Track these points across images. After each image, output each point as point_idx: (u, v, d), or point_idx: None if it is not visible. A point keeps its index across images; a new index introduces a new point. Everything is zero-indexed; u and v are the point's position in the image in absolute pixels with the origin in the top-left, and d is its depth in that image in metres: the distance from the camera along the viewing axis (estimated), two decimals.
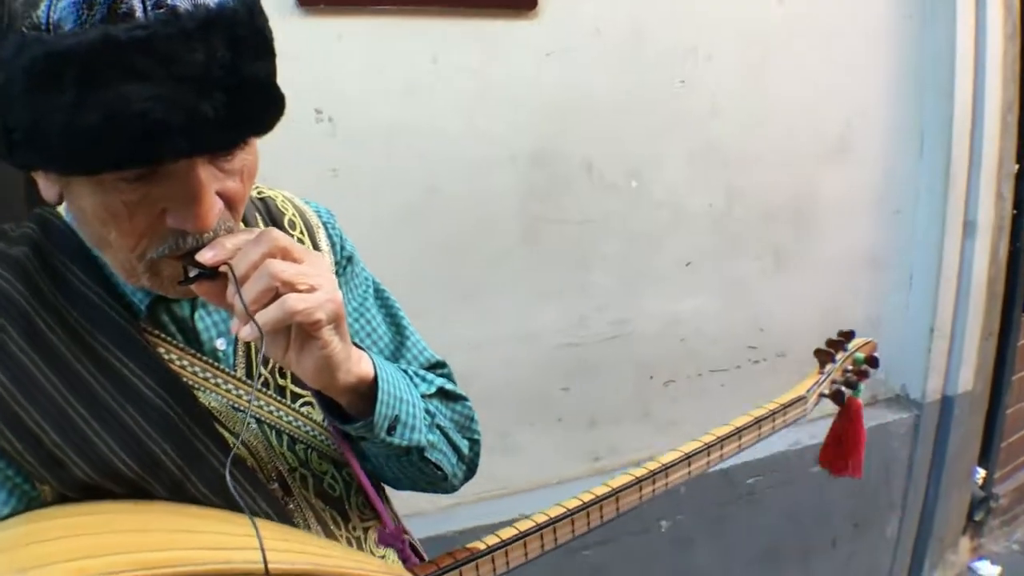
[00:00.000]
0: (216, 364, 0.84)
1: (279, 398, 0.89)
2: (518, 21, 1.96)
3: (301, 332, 0.74)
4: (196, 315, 0.84)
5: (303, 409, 0.90)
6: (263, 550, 0.67)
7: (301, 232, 0.96)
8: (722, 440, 1.13)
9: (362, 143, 1.85)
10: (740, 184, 2.36)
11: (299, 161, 1.75)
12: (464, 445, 1.01)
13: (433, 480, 0.97)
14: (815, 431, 2.20)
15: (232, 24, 0.65)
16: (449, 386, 1.02)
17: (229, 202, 0.74)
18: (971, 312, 2.74)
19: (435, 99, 1.91)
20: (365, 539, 0.95)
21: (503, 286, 2.09)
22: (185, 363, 0.82)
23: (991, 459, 3.17)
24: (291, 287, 0.71)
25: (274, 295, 0.71)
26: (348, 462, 0.89)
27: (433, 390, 0.98)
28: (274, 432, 0.88)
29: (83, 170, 0.66)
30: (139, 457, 0.75)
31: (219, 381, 0.84)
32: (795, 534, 2.66)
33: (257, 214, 0.93)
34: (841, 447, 1.39)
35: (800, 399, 1.25)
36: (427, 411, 0.93)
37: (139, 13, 0.62)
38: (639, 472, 1.03)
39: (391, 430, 0.85)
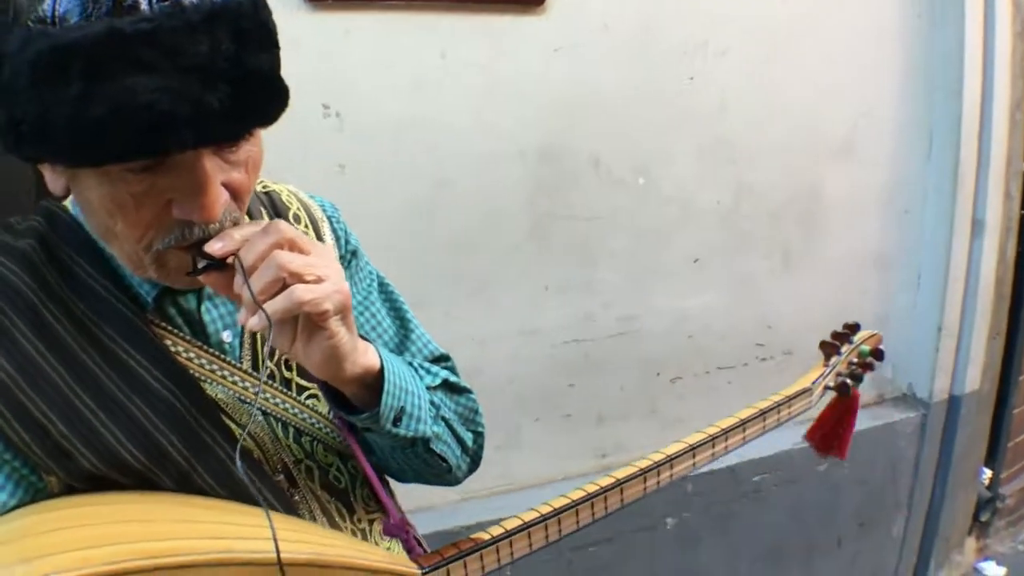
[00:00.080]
0: (223, 356, 0.85)
1: (285, 390, 0.89)
2: (526, 16, 1.96)
3: (308, 323, 0.74)
4: (203, 307, 0.85)
5: (309, 401, 0.91)
6: (275, 540, 0.67)
7: (306, 226, 0.97)
8: (727, 432, 1.11)
9: (370, 138, 1.85)
10: (748, 181, 2.35)
11: (307, 156, 1.76)
12: (468, 437, 1.01)
13: (438, 472, 0.98)
14: None
15: (236, 17, 0.66)
16: (453, 378, 1.02)
17: (235, 193, 0.75)
18: (979, 312, 2.73)
19: (443, 94, 1.90)
20: (370, 531, 0.95)
21: (510, 281, 2.09)
22: (192, 355, 0.83)
23: (998, 459, 3.15)
24: (299, 278, 0.71)
25: (282, 286, 0.71)
26: (353, 454, 0.90)
27: (438, 382, 0.98)
28: (280, 424, 0.88)
29: (89, 162, 0.67)
30: (146, 448, 0.76)
31: (225, 373, 0.84)
32: (801, 533, 2.65)
33: (262, 208, 0.93)
34: (833, 429, 1.36)
35: (805, 391, 1.24)
36: (432, 403, 0.94)
37: (144, 6, 0.63)
38: (643, 463, 1.02)
39: (397, 421, 0.86)
